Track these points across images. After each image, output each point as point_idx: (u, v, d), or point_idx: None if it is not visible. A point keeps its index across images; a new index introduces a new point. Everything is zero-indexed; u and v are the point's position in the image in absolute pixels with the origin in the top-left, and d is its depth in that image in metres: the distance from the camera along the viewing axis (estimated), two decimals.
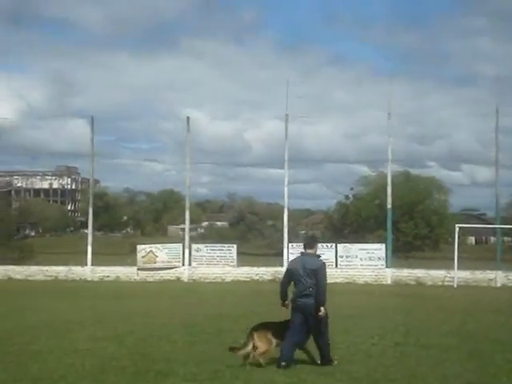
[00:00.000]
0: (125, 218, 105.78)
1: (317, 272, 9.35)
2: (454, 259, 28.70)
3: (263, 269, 31.66)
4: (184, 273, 31.44)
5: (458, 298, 23.24)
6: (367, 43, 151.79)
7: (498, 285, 29.49)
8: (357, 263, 30.89)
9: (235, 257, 31.62)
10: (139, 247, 32.27)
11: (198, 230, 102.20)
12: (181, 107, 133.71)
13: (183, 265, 31.51)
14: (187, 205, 33.15)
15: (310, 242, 10.01)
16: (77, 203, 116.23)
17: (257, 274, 31.39)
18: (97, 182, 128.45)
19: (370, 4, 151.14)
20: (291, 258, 31.21)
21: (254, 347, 9.41)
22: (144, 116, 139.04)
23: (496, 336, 12.95)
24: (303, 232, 50.15)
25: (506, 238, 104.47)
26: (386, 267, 30.51)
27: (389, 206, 31.20)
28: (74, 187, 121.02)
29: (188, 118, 33.00)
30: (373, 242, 32.65)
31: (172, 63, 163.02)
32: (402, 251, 38.36)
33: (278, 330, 9.55)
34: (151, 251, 31.80)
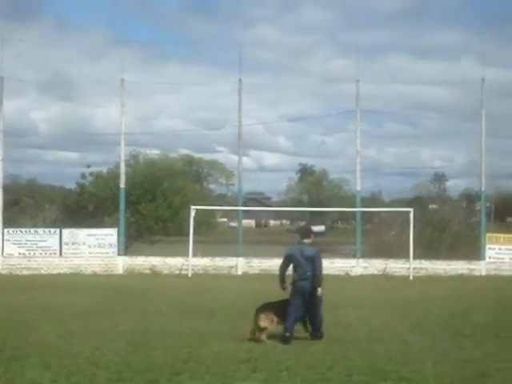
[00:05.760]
0: None
1: (314, 259, 10.44)
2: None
3: None
4: None
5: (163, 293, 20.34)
6: (155, 26, 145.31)
7: (239, 273, 27.37)
8: (85, 251, 27.07)
9: None
10: None
11: None
12: None
13: None
14: None
15: (306, 232, 10.93)
16: None
17: None
18: None
19: None
20: (6, 245, 26.60)
21: (259, 327, 10.24)
22: None
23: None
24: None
25: (284, 221, 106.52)
26: (118, 255, 27.06)
27: (122, 185, 27.62)
28: None
29: None
30: (108, 227, 28.96)
31: None
32: (146, 236, 35.14)
33: (278, 309, 10.43)
34: None
